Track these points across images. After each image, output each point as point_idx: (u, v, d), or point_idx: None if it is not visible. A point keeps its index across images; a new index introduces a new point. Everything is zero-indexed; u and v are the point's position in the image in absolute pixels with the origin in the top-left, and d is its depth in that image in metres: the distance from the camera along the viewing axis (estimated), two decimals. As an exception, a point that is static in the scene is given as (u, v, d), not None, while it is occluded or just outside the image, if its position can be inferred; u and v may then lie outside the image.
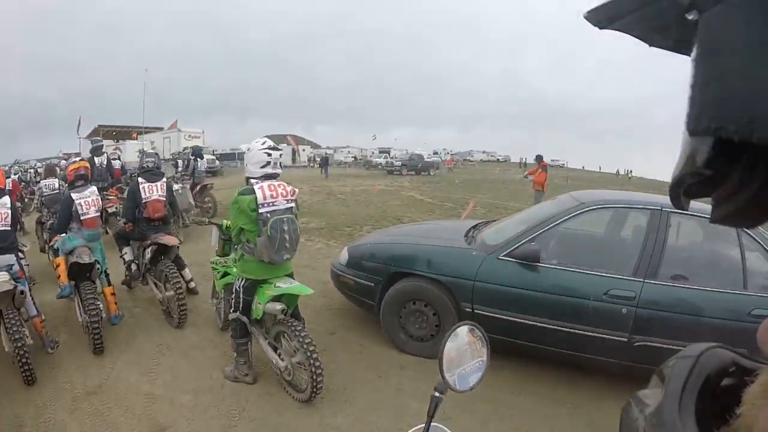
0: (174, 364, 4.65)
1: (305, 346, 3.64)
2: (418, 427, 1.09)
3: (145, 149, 21.53)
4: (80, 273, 5.01)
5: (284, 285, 3.88)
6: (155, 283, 5.70)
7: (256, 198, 3.71)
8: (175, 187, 8.81)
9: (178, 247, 5.75)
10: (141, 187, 5.79)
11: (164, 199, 5.85)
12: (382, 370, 4.31)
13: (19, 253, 5.06)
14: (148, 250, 5.65)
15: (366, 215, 12.22)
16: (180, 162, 13.37)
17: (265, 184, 3.80)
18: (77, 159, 6.41)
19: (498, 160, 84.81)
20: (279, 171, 3.97)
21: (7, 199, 4.93)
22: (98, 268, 5.17)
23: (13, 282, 4.45)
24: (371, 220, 11.51)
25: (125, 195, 6.61)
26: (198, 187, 11.89)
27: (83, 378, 4.48)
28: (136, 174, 6.26)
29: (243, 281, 3.99)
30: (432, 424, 1.06)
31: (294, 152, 43.83)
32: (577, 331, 3.99)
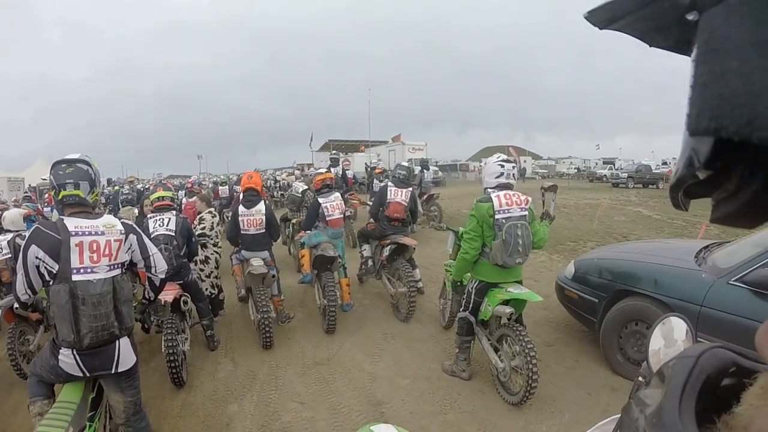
0: (396, 352, 5.06)
1: (526, 351, 3.69)
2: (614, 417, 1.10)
3: (371, 161, 23.18)
4: (323, 264, 5.73)
5: (515, 290, 3.97)
6: (389, 279, 6.20)
7: (493, 205, 3.91)
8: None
9: (414, 248, 6.15)
10: (389, 189, 6.38)
11: (406, 203, 6.29)
12: (593, 388, 4.16)
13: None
14: (387, 248, 6.12)
15: (590, 230, 11.70)
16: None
17: (501, 193, 3.98)
18: (324, 171, 7.24)
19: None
20: (512, 181, 4.12)
21: (262, 205, 5.78)
22: (339, 261, 5.84)
23: (265, 267, 5.35)
24: (596, 235, 11.00)
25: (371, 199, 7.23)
26: (425, 196, 12.60)
27: (314, 351, 5.20)
28: (382, 180, 6.89)
29: (476, 283, 4.18)
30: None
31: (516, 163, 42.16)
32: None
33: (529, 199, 4.06)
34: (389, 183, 6.60)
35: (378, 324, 5.83)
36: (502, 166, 4.10)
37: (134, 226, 3.05)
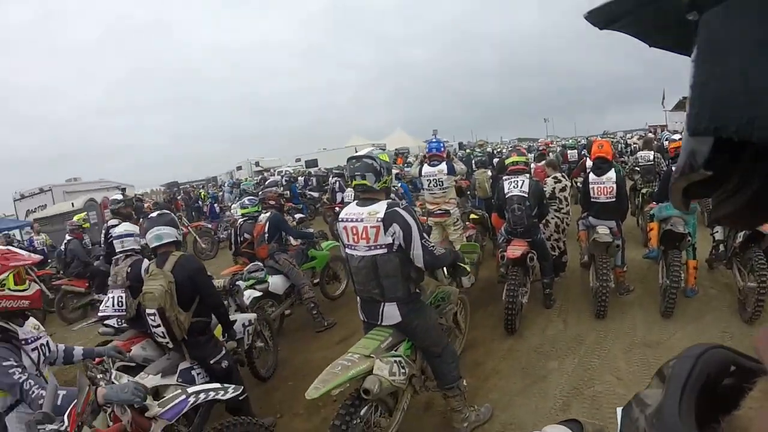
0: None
1: None
2: None
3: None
4: (670, 241, 5.37)
5: None
6: (739, 269, 5.40)
7: None
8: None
9: None
10: None
11: None
12: None
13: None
14: (741, 233, 5.34)
15: None
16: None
17: None
18: (677, 137, 6.66)
19: None
20: None
21: (613, 173, 5.76)
22: (688, 240, 5.39)
23: (610, 236, 5.39)
24: None
25: None
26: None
27: (645, 330, 5.08)
28: None
29: None
30: None
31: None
32: None
33: None
34: None
35: (719, 319, 5.23)
36: None
37: (405, 216, 3.28)
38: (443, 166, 6.43)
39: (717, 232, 5.95)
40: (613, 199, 5.70)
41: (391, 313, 3.38)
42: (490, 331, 5.18)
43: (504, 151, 14.59)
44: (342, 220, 3.47)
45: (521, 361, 4.60)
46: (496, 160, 13.22)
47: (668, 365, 0.53)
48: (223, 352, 3.94)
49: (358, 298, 3.61)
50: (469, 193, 9.42)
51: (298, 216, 9.24)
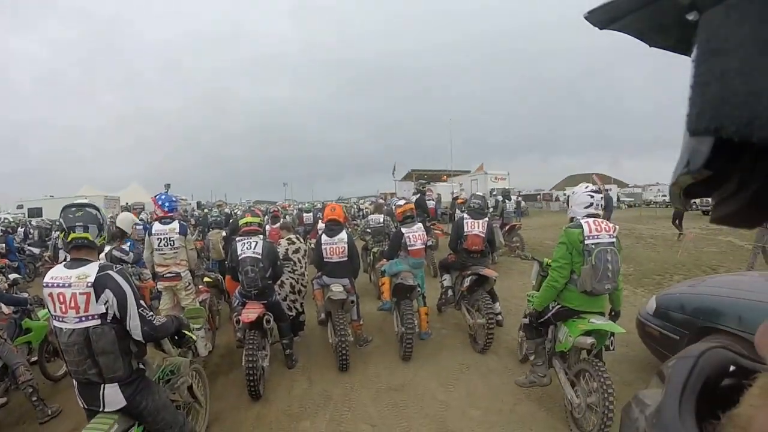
0: (471, 382, 5.06)
1: (604, 389, 3.59)
2: None
3: (454, 191, 23.32)
4: (402, 292, 5.83)
5: (597, 321, 3.89)
6: (468, 310, 6.20)
7: (583, 231, 3.89)
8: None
9: (494, 280, 6.10)
10: (465, 222, 6.43)
11: (483, 235, 6.32)
12: (672, 431, 3.98)
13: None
14: (467, 279, 6.14)
15: (677, 262, 11.05)
16: (488, 202, 14.37)
17: (591, 219, 3.97)
18: (403, 202, 7.41)
19: None
20: (600, 212, 4.11)
21: (344, 234, 6.03)
22: (418, 290, 5.95)
23: (345, 293, 5.57)
24: (683, 268, 10.41)
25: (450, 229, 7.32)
26: (507, 227, 12.56)
27: (389, 376, 5.31)
28: (463, 211, 7.03)
29: (558, 306, 4.16)
30: None
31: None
32: None
33: (617, 227, 4.03)
34: (464, 215, 6.64)
35: (454, 354, 5.85)
36: (592, 197, 4.10)
37: (118, 281, 2.88)
38: (176, 225, 5.93)
39: (445, 279, 6.79)
40: (345, 259, 5.93)
41: (113, 396, 2.89)
42: (236, 400, 4.87)
43: (239, 212, 14.47)
44: (47, 286, 2.85)
45: (272, 427, 4.37)
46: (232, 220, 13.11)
47: (668, 365, 0.52)
48: None
49: (73, 380, 2.95)
50: (203, 255, 9.03)
51: (12, 276, 7.65)
